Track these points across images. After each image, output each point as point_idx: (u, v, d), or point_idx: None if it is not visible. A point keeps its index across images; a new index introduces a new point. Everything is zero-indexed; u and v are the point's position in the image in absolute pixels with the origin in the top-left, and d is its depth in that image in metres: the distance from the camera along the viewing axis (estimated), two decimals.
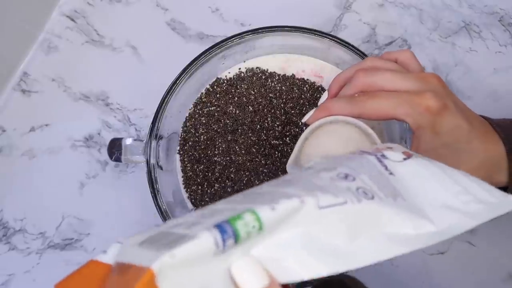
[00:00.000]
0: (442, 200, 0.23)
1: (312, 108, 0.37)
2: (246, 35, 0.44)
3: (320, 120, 0.34)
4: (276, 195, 0.20)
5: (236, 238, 0.18)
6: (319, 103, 0.38)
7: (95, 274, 0.20)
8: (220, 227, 0.18)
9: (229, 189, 0.45)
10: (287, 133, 0.46)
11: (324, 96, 0.38)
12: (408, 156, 0.26)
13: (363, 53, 0.42)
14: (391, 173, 0.25)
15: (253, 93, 0.47)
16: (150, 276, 0.17)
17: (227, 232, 0.18)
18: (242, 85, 0.47)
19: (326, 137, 0.34)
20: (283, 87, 0.47)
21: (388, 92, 0.31)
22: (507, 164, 0.31)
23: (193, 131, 0.47)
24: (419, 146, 0.31)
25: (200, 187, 0.46)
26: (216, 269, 0.19)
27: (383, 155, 0.26)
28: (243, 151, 0.46)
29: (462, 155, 0.31)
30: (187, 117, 0.47)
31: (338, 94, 0.36)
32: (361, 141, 0.34)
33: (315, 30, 0.43)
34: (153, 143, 0.42)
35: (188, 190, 0.46)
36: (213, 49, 0.44)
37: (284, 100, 0.46)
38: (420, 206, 0.23)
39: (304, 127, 0.40)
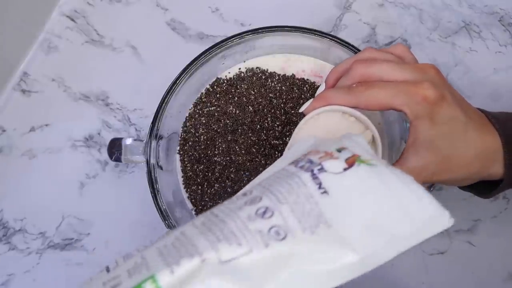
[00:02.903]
0: (372, 219, 0.22)
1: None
2: (246, 35, 0.44)
3: (317, 110, 0.34)
4: (183, 250, 0.21)
5: None
6: (316, 95, 0.38)
7: None
8: None
9: (229, 189, 0.45)
10: (287, 133, 0.46)
11: (321, 88, 0.38)
12: (350, 165, 0.25)
13: None
14: (324, 192, 0.24)
15: (253, 93, 0.47)
16: None
17: None
18: (242, 85, 0.47)
19: (320, 127, 0.34)
20: (283, 87, 0.47)
21: (385, 82, 0.31)
22: (502, 155, 0.31)
23: (193, 131, 0.47)
24: (417, 137, 0.31)
25: (200, 187, 0.46)
26: None
27: (321, 168, 0.25)
28: (243, 151, 0.46)
29: (458, 147, 0.31)
30: (187, 117, 0.47)
31: (335, 85, 0.36)
32: (357, 132, 0.34)
33: (315, 30, 0.43)
34: (153, 143, 0.42)
35: (188, 190, 0.46)
36: (213, 49, 0.44)
37: (284, 100, 0.46)
38: (346, 231, 0.22)
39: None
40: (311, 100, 0.35)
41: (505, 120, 0.33)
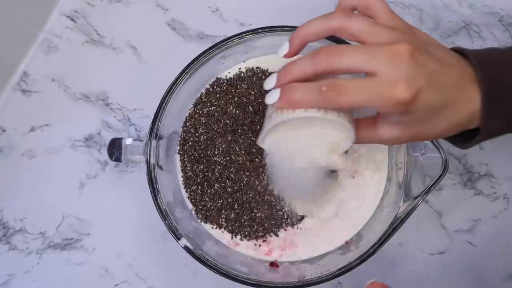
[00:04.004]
0: None
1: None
2: (246, 35, 0.44)
3: (283, 117, 0.31)
4: None
5: None
6: (278, 54, 0.33)
7: None
8: None
9: (229, 189, 0.45)
10: None
11: (285, 47, 0.33)
12: None
13: None
14: None
15: (253, 93, 0.47)
16: None
17: None
18: (242, 85, 0.47)
19: (289, 137, 0.33)
20: None
21: (358, 83, 0.29)
22: (480, 113, 0.31)
23: (193, 131, 0.47)
24: (385, 118, 0.32)
25: (200, 187, 0.46)
26: None
27: None
28: (243, 151, 0.46)
29: (432, 125, 0.31)
30: (187, 117, 0.47)
31: (298, 52, 0.33)
32: (331, 136, 0.33)
33: None
34: (153, 143, 0.42)
35: (188, 190, 0.46)
36: (213, 49, 0.44)
37: None
38: None
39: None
40: (275, 90, 0.31)
41: (492, 62, 0.31)
